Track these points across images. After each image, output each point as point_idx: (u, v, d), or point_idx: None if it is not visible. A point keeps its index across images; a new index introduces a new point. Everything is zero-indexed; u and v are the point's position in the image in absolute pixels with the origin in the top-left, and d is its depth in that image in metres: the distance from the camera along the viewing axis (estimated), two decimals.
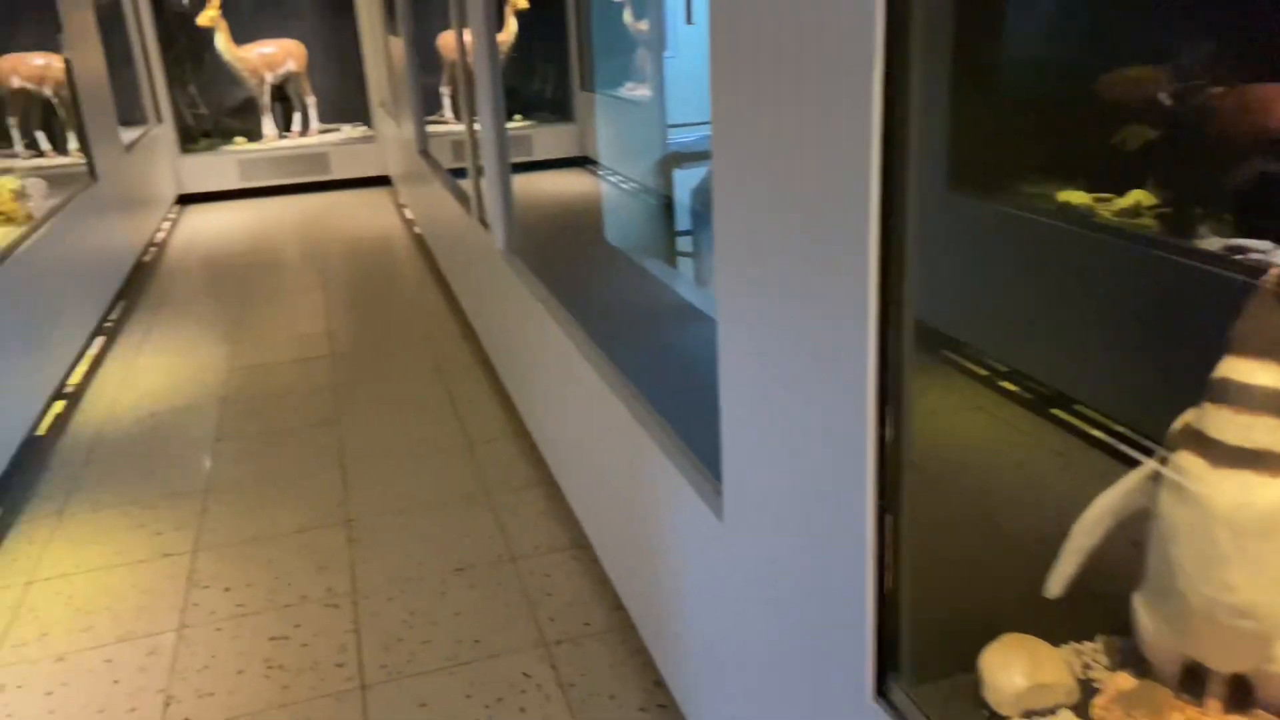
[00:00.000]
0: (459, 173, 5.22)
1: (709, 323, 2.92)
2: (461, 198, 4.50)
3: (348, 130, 8.58)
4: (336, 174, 8.22)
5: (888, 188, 1.06)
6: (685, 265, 3.71)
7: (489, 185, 3.46)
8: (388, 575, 2.69)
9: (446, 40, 7.98)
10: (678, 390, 2.38)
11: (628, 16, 7.47)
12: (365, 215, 7.41)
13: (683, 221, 3.81)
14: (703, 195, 3.58)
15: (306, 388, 4.06)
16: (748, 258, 1.36)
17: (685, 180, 3.72)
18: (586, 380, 2.46)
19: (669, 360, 2.62)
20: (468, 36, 3.78)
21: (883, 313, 1.10)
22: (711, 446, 1.89)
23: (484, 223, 3.82)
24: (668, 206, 3.87)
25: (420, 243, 6.39)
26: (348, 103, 8.60)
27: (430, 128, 6.17)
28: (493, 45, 3.32)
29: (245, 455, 3.46)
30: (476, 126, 3.70)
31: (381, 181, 8.28)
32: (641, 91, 7.13)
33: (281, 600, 2.59)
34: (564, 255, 3.64)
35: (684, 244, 3.77)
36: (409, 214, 7.21)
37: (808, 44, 1.12)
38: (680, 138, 4.01)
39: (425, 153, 5.86)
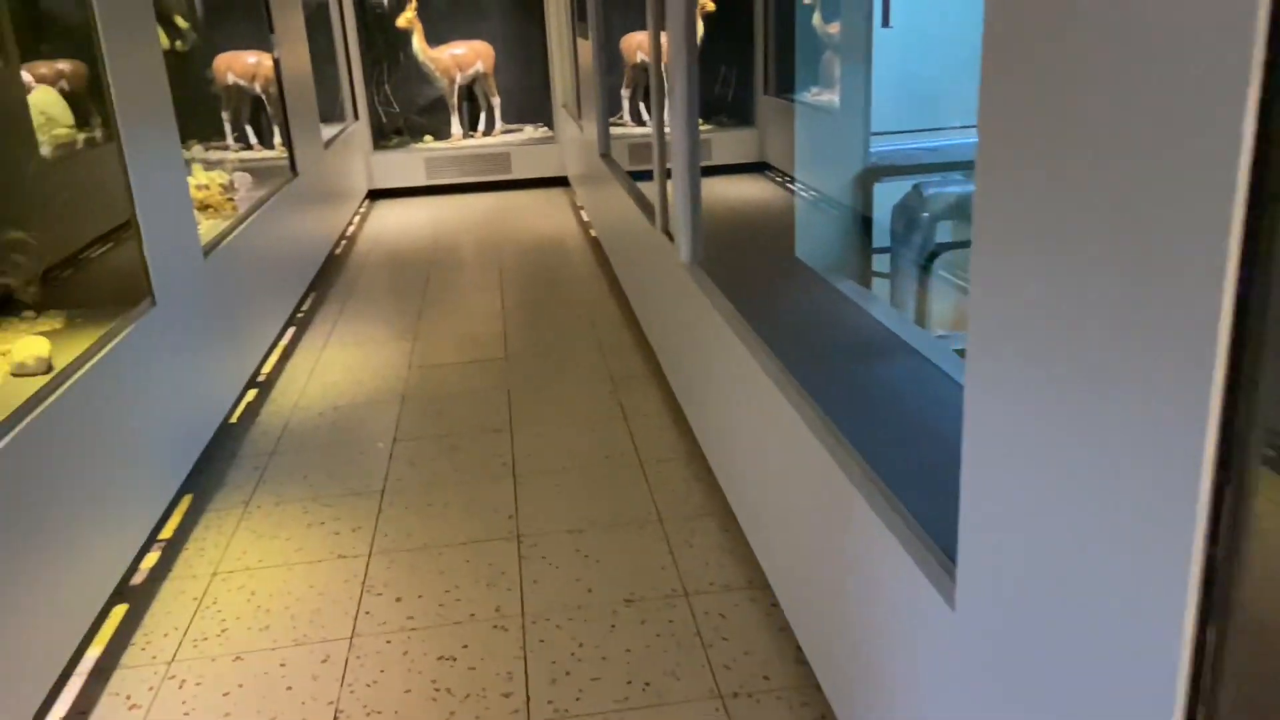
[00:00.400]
0: (638, 176, 5.13)
1: (914, 356, 2.67)
2: (643, 204, 4.39)
3: (529, 131, 8.70)
4: (517, 174, 8.34)
5: (1255, 212, 0.82)
6: (881, 287, 3.45)
7: (677, 195, 3.32)
8: (557, 599, 2.59)
9: (629, 42, 7.95)
10: (883, 434, 2.15)
11: (816, 19, 7.21)
12: (543, 216, 7.46)
13: (879, 238, 3.55)
14: (906, 213, 3.31)
15: (482, 390, 4.05)
16: (1019, 299, 1.13)
17: (886, 195, 3.46)
18: (778, 414, 2.27)
19: (873, 397, 2.39)
20: (661, 38, 3.66)
21: (1232, 372, 0.86)
22: (930, 509, 1.66)
23: (668, 233, 3.69)
24: (860, 220, 3.62)
25: (596, 246, 6.35)
26: (530, 103, 8.72)
27: (609, 130, 6.13)
28: (691, 48, 3.17)
29: (421, 458, 3.46)
30: (666, 130, 3.57)
31: (559, 182, 8.35)
32: (827, 97, 6.85)
33: (451, 616, 2.53)
34: (750, 270, 3.46)
35: (880, 263, 3.51)
36: (585, 216, 7.21)
37: (1155, 25, 0.89)
38: (877, 148, 3.74)
39: (607, 156, 5.81)
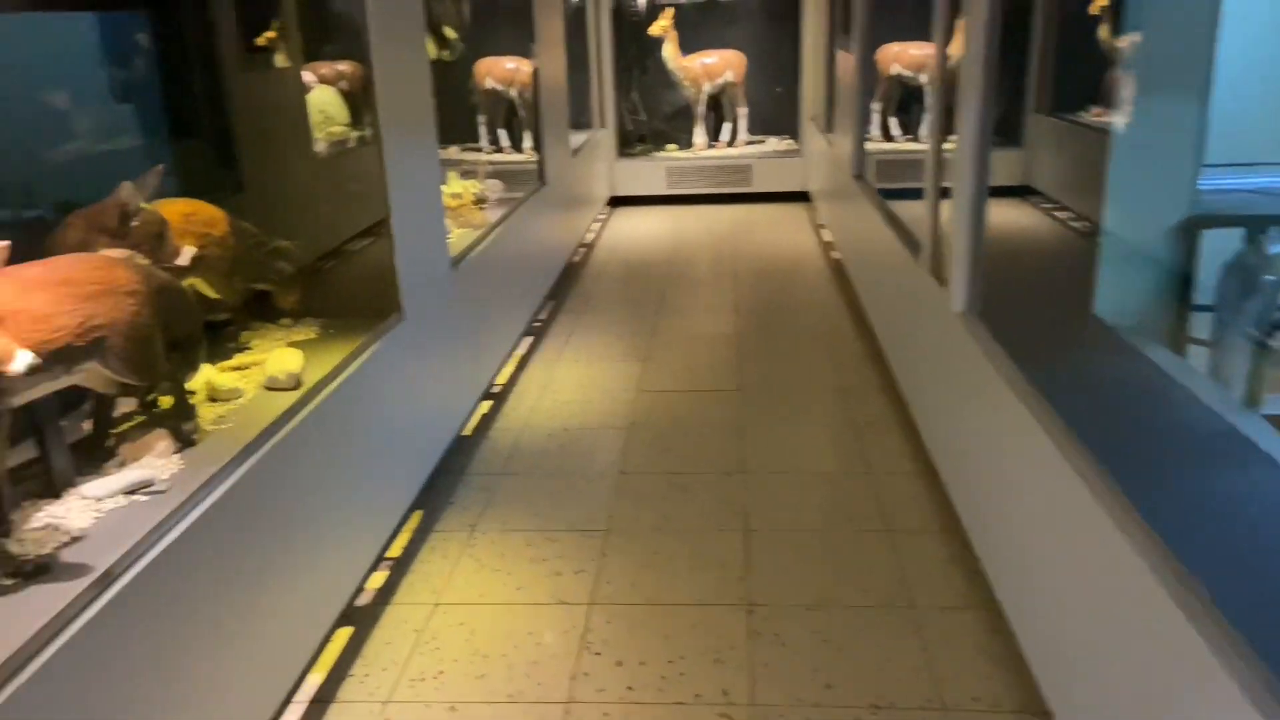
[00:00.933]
0: (886, 195, 4.72)
1: (1252, 451, 2.17)
2: (904, 236, 4.00)
3: (773, 143, 8.42)
4: (757, 186, 8.09)
5: None
6: (1198, 356, 2.90)
7: (957, 235, 2.93)
8: (791, 692, 2.29)
9: (885, 54, 7.47)
10: (1227, 560, 1.71)
11: (1104, 32, 6.50)
12: (782, 232, 7.16)
13: (1198, 296, 3.00)
14: (1241, 272, 2.76)
15: (713, 425, 3.82)
16: None
17: (1216, 245, 2.91)
18: (1084, 516, 1.87)
19: (1205, 506, 1.94)
20: (948, 48, 3.28)
21: None
22: None
23: (937, 275, 3.29)
24: (1176, 273, 3.07)
25: (837, 269, 5.98)
26: (775, 115, 8.43)
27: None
28: (990, 67, 2.79)
29: (648, 496, 3.27)
30: (946, 146, 3.19)
31: (799, 197, 8.01)
32: (1108, 119, 6.12)
33: (672, 693, 2.30)
34: (1035, 324, 3.01)
35: (1198, 324, 2.96)
36: (826, 235, 6.84)
37: None
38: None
39: (860, 177, 5.42)
